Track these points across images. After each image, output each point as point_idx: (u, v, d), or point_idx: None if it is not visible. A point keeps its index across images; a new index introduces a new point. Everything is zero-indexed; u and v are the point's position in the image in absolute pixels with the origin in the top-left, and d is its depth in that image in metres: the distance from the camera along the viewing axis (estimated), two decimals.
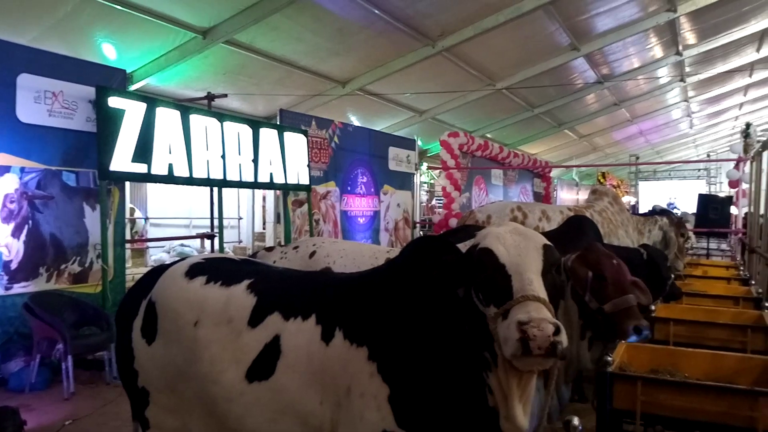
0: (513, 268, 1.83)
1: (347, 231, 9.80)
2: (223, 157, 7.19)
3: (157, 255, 11.74)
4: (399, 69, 10.64)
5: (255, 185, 8.04)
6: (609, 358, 3.17)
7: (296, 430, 2.22)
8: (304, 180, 8.61)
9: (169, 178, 6.61)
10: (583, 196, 23.46)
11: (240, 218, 13.74)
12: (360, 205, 10.26)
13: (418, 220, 12.31)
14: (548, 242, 1.92)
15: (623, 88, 16.02)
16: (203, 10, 7.70)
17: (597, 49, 12.25)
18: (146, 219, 12.58)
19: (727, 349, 4.36)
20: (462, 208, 12.13)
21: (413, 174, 11.89)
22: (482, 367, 1.93)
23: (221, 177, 7.18)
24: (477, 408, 1.97)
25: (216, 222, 7.70)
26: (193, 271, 2.55)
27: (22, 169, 5.64)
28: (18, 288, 5.62)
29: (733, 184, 11.97)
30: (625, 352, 3.60)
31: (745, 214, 11.47)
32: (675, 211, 13.45)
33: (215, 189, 7.52)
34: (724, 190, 21.53)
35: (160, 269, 2.68)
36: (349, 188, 10.06)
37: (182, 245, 11.27)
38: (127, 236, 8.24)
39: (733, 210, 12.16)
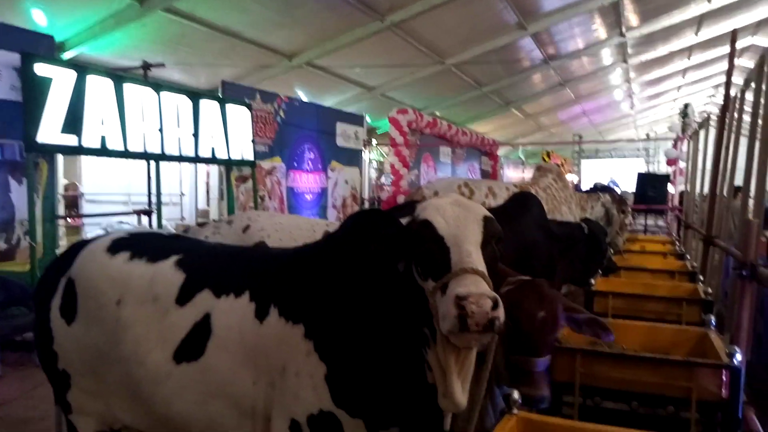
0: (451, 240, 1.76)
1: (294, 208, 9.63)
2: (160, 129, 6.88)
3: (94, 233, 11.25)
4: (347, 43, 10.43)
5: (196, 160, 7.76)
6: None
7: (228, 413, 2.12)
8: (248, 155, 8.36)
9: (102, 151, 6.28)
10: (528, 174, 23.90)
11: (182, 195, 13.31)
12: (307, 182, 10.08)
13: (366, 198, 12.22)
14: (489, 214, 1.86)
15: (568, 68, 16.26)
16: None
17: (544, 29, 12.35)
18: (81, 195, 12.01)
19: (663, 321, 4.48)
20: (410, 185, 12.12)
21: (361, 150, 11.76)
22: (421, 344, 1.87)
23: (159, 151, 6.88)
24: (416, 385, 1.91)
25: (154, 198, 7.39)
26: (116, 246, 2.39)
27: None
28: None
29: (671, 162, 12.38)
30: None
31: (681, 191, 11.90)
32: (615, 189, 13.82)
33: (152, 163, 7.20)
34: (661, 169, 22.30)
35: (81, 245, 2.51)
36: (295, 164, 9.85)
37: (120, 222, 10.83)
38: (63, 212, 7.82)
39: (670, 188, 12.59)
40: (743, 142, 4.76)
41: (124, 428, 2.43)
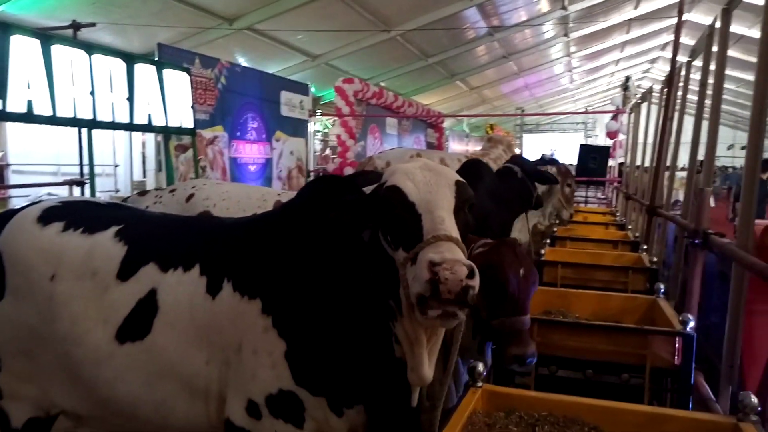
0: (423, 206, 1.65)
1: (237, 179, 9.29)
2: (92, 94, 6.42)
3: (21, 205, 10.56)
4: (291, 8, 10.05)
5: (131, 127, 7.31)
6: None
7: (178, 394, 1.97)
8: (188, 123, 7.95)
9: (28, 117, 5.81)
10: (473, 147, 24.11)
11: (116, 165, 12.68)
12: (251, 152, 9.74)
13: (312, 169, 11.97)
14: (460, 178, 1.76)
15: (512, 40, 16.34)
16: None
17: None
18: (7, 165, 11.26)
19: (610, 290, 4.58)
20: (357, 156, 11.94)
21: (307, 121, 11.45)
22: (389, 317, 1.77)
23: (90, 117, 6.42)
24: (383, 360, 1.81)
25: (86, 168, 6.95)
26: (48, 216, 2.17)
27: None
28: None
29: (612, 135, 12.68)
30: None
31: (620, 163, 12.25)
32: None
33: (84, 130, 6.74)
34: (599, 143, 22.94)
35: (7, 215, 2.26)
36: (238, 134, 9.48)
37: (50, 194, 10.21)
38: None
39: (610, 161, 12.93)
40: (688, 116, 4.86)
41: (62, 414, 2.23)
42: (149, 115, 7.31)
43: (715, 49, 3.76)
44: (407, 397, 1.87)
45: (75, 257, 2.06)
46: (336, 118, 12.00)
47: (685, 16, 16.27)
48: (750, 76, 17.13)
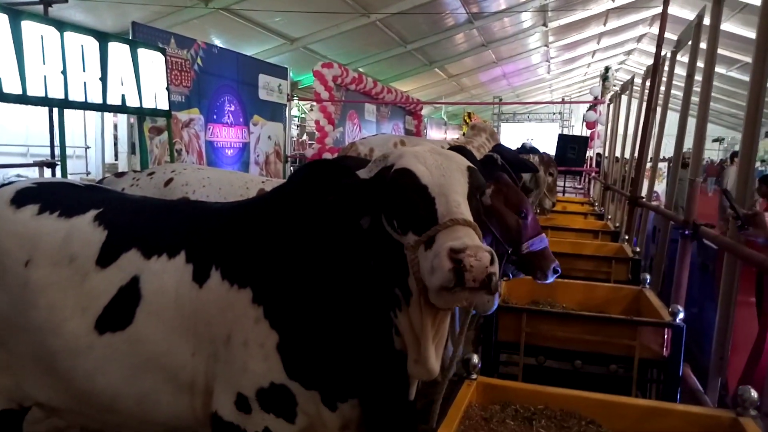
0: (437, 189, 1.57)
1: (213, 163, 9.08)
2: (63, 72, 6.18)
3: None
4: None
5: (104, 107, 7.08)
6: None
7: (161, 387, 1.87)
8: (163, 104, 7.72)
9: None
10: (451, 135, 24.09)
11: (88, 147, 12.33)
12: (227, 136, 9.52)
13: (289, 155, 11.79)
14: (472, 164, 1.69)
15: (491, 29, 16.29)
16: None
17: None
18: None
19: (593, 279, 4.59)
20: (335, 143, 11.80)
21: (285, 105, 11.24)
22: (390, 306, 1.69)
23: (62, 96, 6.19)
24: (381, 352, 1.74)
25: (58, 150, 6.71)
26: (22, 198, 2.04)
27: None
28: None
29: (590, 125, 12.75)
30: (504, 285, 3.59)
31: (598, 153, 12.33)
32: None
33: (55, 110, 6.50)
34: (575, 133, 23.11)
35: None
36: (215, 117, 9.26)
37: (18, 176, 9.88)
38: None
39: (588, 151, 12.99)
40: (671, 110, 4.86)
41: (37, 406, 2.12)
42: (123, 95, 7.08)
43: (703, 45, 3.73)
44: (405, 391, 1.81)
45: (51, 242, 1.94)
46: (314, 103, 11.82)
47: (661, 9, 16.46)
48: (723, 70, 17.42)
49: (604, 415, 1.99)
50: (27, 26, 5.82)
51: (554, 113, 26.26)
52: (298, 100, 13.62)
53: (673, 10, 14.71)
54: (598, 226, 6.70)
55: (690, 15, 14.02)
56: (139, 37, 7.90)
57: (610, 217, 7.45)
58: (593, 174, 12.42)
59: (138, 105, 7.32)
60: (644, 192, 6.04)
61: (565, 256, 4.80)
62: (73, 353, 1.90)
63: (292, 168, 11.88)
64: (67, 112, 6.73)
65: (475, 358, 2.16)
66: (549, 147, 13.92)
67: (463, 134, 19.34)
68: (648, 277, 3.60)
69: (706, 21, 3.75)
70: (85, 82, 6.53)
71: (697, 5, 13.79)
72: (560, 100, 26.32)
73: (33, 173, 9.57)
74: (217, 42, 11.52)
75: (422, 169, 1.60)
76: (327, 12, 11.50)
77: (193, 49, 8.72)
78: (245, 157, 10.02)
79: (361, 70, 15.51)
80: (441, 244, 1.45)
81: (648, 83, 5.85)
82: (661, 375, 2.94)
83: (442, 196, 1.56)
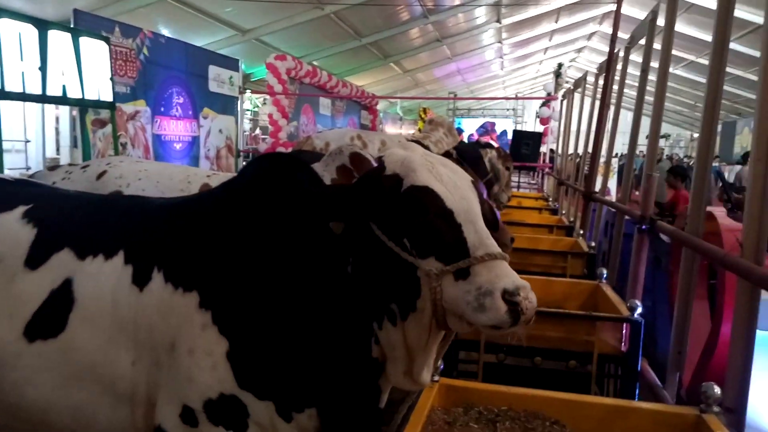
0: (463, 215, 1.54)
1: (161, 157, 8.76)
2: None
3: None
4: None
5: (43, 99, 6.71)
6: None
7: (98, 399, 1.72)
8: (107, 96, 7.38)
9: None
10: (406, 129, 24.09)
11: (27, 141, 11.74)
12: (176, 129, 9.19)
13: (242, 149, 11.51)
14: (471, 177, 1.66)
15: (446, 24, 16.31)
16: None
17: None
18: None
19: (549, 274, 4.60)
20: (289, 137, 11.58)
21: (236, 98, 10.95)
22: (375, 317, 1.62)
23: None
24: (352, 360, 1.65)
25: None
26: None
27: None
28: None
29: (544, 121, 12.92)
30: None
31: (551, 149, 12.51)
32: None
33: None
34: (527, 128, 23.48)
35: None
36: (162, 109, 8.92)
37: None
38: None
39: (541, 146, 13.18)
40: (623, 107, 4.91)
41: None
42: (64, 86, 6.73)
43: (657, 46, 3.76)
44: (375, 399, 1.72)
45: None
46: (267, 96, 11.57)
47: (611, 7, 16.84)
48: (670, 68, 17.94)
49: (568, 415, 1.95)
50: None
51: (508, 109, 26.62)
52: (251, 93, 13.32)
53: (623, 9, 15.12)
54: (553, 221, 6.76)
55: (638, 13, 14.42)
56: (81, 25, 7.54)
57: (564, 212, 7.53)
58: (547, 170, 12.60)
59: (80, 96, 6.97)
60: (597, 188, 6.11)
61: (522, 252, 4.81)
62: (1, 363, 1.73)
63: (244, 162, 11.61)
64: (5, 104, 6.36)
65: (439, 362, 2.08)
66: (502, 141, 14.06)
67: (419, 129, 19.38)
68: (605, 271, 3.60)
69: (660, 20, 3.78)
70: (23, 72, 6.18)
71: (647, 4, 14.17)
72: (514, 95, 26.69)
73: None
74: (165, 32, 11.14)
75: (443, 189, 1.55)
76: (280, 1, 11.25)
77: (139, 38, 8.38)
78: (195, 152, 9.71)
79: (315, 63, 15.29)
80: (487, 283, 1.45)
81: (601, 80, 5.91)
82: (619, 370, 2.93)
83: (470, 224, 1.53)
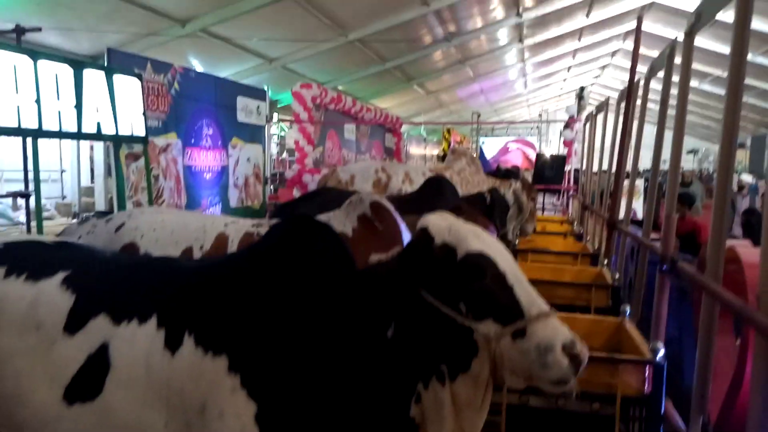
0: (512, 277, 1.66)
1: (192, 188, 8.98)
2: (37, 102, 6.08)
3: None
4: (246, 11, 9.83)
5: (79, 136, 6.95)
6: None
7: None
8: (140, 131, 7.63)
9: None
10: (430, 150, 24.16)
11: (63, 171, 12.16)
12: (206, 160, 9.43)
13: (269, 175, 11.72)
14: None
15: (468, 46, 16.43)
16: None
17: (446, 6, 12.33)
18: None
19: (574, 306, 4.59)
20: (315, 163, 11.76)
21: (264, 127, 11.18)
22: (421, 377, 1.70)
23: (36, 126, 6.08)
24: (388, 422, 1.72)
25: (31, 179, 6.58)
26: None
27: None
28: None
29: (567, 143, 12.90)
30: None
31: (575, 170, 12.45)
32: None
33: (29, 140, 6.39)
34: (552, 148, 23.35)
35: None
36: (192, 141, 9.17)
37: None
38: None
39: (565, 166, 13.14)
40: (647, 127, 4.91)
41: None
42: (98, 123, 6.97)
43: (675, 78, 3.77)
44: None
45: (17, 308, 1.88)
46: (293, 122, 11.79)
47: (634, 24, 16.76)
48: (696, 83, 17.76)
49: None
50: (0, 56, 5.73)
51: (532, 127, 26.53)
52: (278, 120, 13.57)
53: (645, 26, 15.05)
54: (578, 249, 6.74)
55: (661, 30, 14.36)
56: (114, 62, 7.82)
57: (588, 238, 7.50)
58: (571, 191, 12.54)
59: (114, 132, 7.21)
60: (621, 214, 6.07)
61: (546, 284, 4.81)
62: (41, 425, 1.83)
63: (272, 188, 11.79)
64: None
65: None
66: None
67: (443, 150, 19.44)
68: (628, 309, 3.60)
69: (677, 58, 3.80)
70: (59, 111, 6.42)
71: (670, 21, 14.10)
72: (537, 114, 26.61)
73: (8, 202, 9.41)
74: (194, 62, 11.47)
75: (493, 254, 1.68)
76: (306, 39, 11.50)
77: (170, 73, 8.66)
78: (224, 181, 9.93)
79: (340, 88, 15.53)
80: (546, 340, 1.57)
81: (623, 105, 5.92)
82: (644, 412, 2.93)
83: (519, 284, 1.65)
